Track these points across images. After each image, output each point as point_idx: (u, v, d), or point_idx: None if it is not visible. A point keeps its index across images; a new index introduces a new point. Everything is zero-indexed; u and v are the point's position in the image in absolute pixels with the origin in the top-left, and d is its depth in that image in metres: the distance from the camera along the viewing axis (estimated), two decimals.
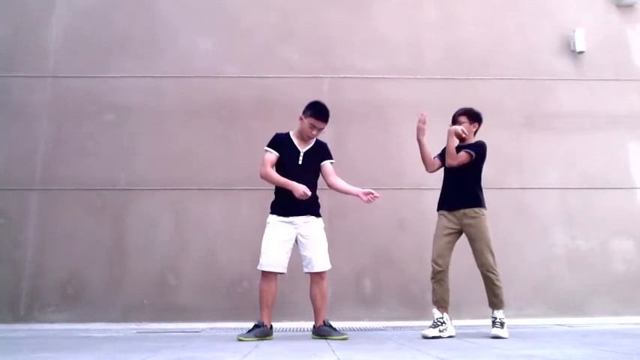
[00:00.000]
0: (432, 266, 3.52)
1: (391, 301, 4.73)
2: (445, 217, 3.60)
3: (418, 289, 4.76)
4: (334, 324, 3.43)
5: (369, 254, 4.80)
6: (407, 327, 4.19)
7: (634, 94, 5.30)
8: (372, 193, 3.40)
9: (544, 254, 4.88)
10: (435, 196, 5.00)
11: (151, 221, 4.80)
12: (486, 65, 5.28)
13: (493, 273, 3.40)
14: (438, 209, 3.68)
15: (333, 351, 2.62)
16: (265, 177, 3.46)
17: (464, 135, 3.58)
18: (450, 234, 3.54)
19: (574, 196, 5.02)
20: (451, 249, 3.56)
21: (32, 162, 4.86)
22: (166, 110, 5.05)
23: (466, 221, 3.50)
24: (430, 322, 3.42)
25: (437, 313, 3.42)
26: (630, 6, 5.51)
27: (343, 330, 3.45)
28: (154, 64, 5.15)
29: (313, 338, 3.34)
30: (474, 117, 3.70)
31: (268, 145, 3.53)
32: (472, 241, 3.50)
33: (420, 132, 3.66)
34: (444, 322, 3.37)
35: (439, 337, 3.29)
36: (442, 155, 3.76)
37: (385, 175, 4.94)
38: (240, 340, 3.14)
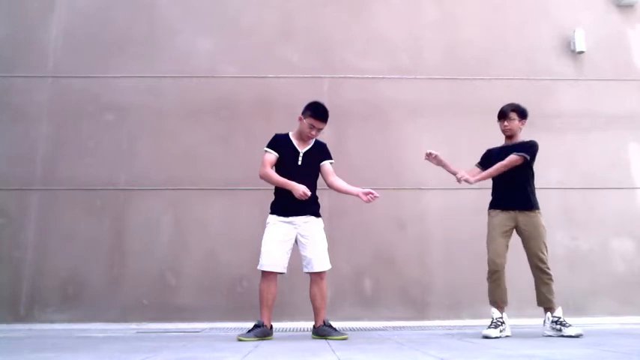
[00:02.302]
0: (490, 266, 3.45)
1: (391, 301, 4.73)
2: (499, 216, 3.53)
3: (418, 289, 4.77)
4: (334, 324, 3.43)
5: (369, 254, 4.80)
6: (407, 327, 4.19)
7: (634, 94, 5.30)
8: (372, 193, 3.39)
9: None
10: (435, 196, 5.02)
11: (151, 221, 4.80)
12: (486, 65, 5.27)
13: (548, 271, 3.41)
14: (491, 208, 3.61)
15: (333, 351, 2.62)
16: (265, 177, 3.47)
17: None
18: (506, 231, 3.49)
19: (574, 196, 5.02)
20: (507, 247, 3.49)
21: (32, 162, 4.86)
22: (166, 110, 5.05)
23: (522, 220, 3.48)
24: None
25: (496, 313, 3.39)
26: (630, 6, 5.51)
27: (343, 330, 3.45)
28: (153, 64, 5.15)
29: (313, 338, 3.34)
30: (522, 114, 3.63)
31: (268, 146, 3.53)
32: (528, 240, 3.47)
33: (436, 163, 3.69)
34: (503, 322, 3.35)
35: (498, 337, 3.25)
36: (483, 162, 3.71)
37: (385, 176, 4.94)
38: (240, 340, 3.14)
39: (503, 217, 3.51)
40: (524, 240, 3.51)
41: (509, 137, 3.65)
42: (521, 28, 5.44)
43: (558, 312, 3.38)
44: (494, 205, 3.61)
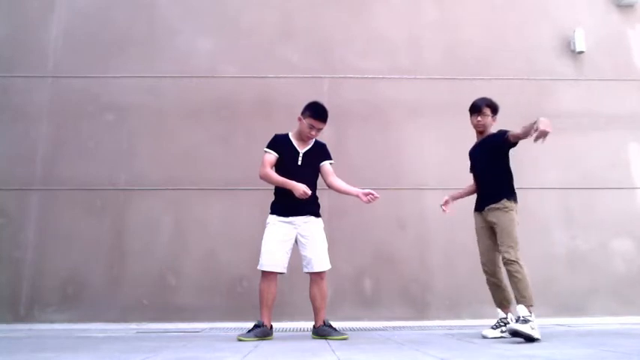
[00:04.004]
0: (482, 269, 3.41)
1: (391, 301, 4.73)
2: (476, 218, 3.49)
3: (418, 289, 4.77)
4: (334, 324, 3.43)
5: (369, 254, 4.80)
6: (407, 327, 4.19)
7: (634, 94, 5.30)
8: (372, 194, 3.39)
9: (544, 254, 4.87)
10: (435, 196, 5.01)
11: (151, 221, 4.80)
12: (486, 65, 5.27)
13: (512, 266, 3.13)
14: (474, 209, 3.54)
15: (333, 351, 2.62)
16: (265, 178, 3.47)
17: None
18: (486, 230, 3.39)
19: (574, 196, 5.02)
20: (494, 248, 3.35)
21: (32, 162, 4.86)
22: (166, 110, 5.05)
23: (490, 218, 3.33)
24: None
25: (500, 314, 3.34)
26: (630, 6, 5.51)
27: (343, 330, 3.45)
28: (153, 64, 5.15)
29: (313, 338, 3.35)
30: (495, 110, 3.49)
31: (267, 146, 3.53)
32: (496, 235, 3.30)
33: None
34: (507, 323, 3.26)
35: (496, 337, 3.20)
36: (472, 167, 3.63)
37: (385, 176, 4.94)
38: (240, 340, 3.14)
39: (478, 218, 3.46)
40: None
41: (480, 133, 3.52)
42: (521, 28, 5.44)
43: (522, 310, 3.05)
44: (475, 207, 3.53)
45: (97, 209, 4.80)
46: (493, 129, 3.53)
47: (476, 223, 3.49)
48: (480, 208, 3.45)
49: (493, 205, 3.31)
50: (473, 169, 3.63)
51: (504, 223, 3.24)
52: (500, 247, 3.24)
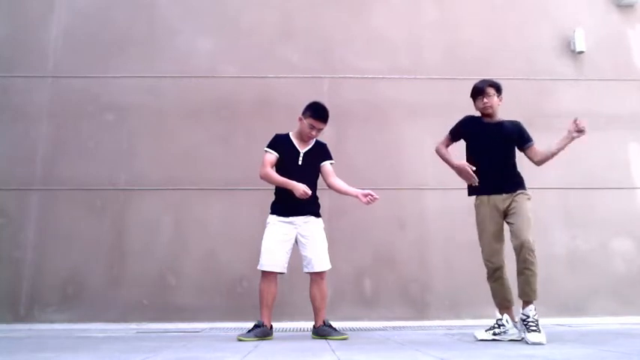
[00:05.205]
0: (487, 266, 3.17)
1: (391, 301, 4.73)
2: (486, 203, 3.22)
3: (418, 289, 4.77)
4: (334, 324, 3.43)
5: (369, 254, 4.80)
6: (407, 327, 4.20)
7: (634, 94, 5.30)
8: (372, 195, 3.38)
9: (544, 254, 4.82)
10: (435, 196, 5.02)
11: (151, 221, 4.80)
12: (486, 65, 5.26)
13: (531, 255, 2.97)
14: (478, 194, 3.27)
15: (333, 351, 2.62)
16: (265, 177, 3.47)
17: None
18: (497, 222, 3.17)
19: (574, 196, 5.02)
20: (503, 240, 3.17)
21: (32, 162, 4.86)
22: (166, 110, 5.05)
23: (508, 203, 3.15)
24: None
25: (498, 314, 3.16)
26: (630, 6, 5.51)
27: (343, 330, 3.45)
28: (153, 64, 5.15)
29: (313, 338, 3.35)
30: (499, 89, 3.34)
31: (268, 146, 3.54)
32: (511, 218, 3.11)
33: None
34: (502, 325, 3.08)
35: (493, 340, 3.03)
36: (454, 134, 3.47)
37: (385, 176, 4.94)
38: (240, 340, 3.14)
39: (489, 204, 3.20)
40: (508, 221, 3.14)
41: (488, 115, 3.33)
42: (521, 28, 5.44)
43: (530, 311, 2.96)
44: (482, 191, 3.25)
45: (97, 209, 4.80)
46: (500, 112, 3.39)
47: (482, 211, 3.22)
48: (494, 191, 3.20)
49: (519, 191, 3.17)
50: (479, 146, 3.35)
51: (528, 212, 3.09)
52: (519, 233, 3.02)
